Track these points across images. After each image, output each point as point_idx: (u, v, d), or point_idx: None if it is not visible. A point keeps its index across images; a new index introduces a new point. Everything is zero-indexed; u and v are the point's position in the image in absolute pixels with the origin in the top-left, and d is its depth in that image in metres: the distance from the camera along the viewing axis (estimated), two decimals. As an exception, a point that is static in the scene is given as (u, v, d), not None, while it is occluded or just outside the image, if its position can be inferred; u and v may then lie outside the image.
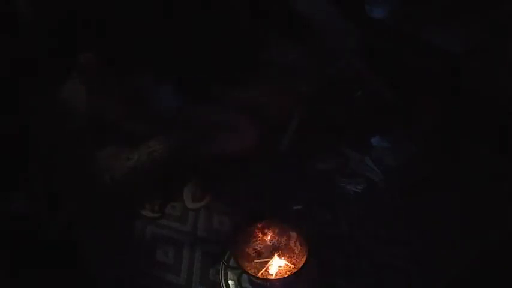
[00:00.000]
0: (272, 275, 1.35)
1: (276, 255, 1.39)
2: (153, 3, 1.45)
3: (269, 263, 1.38)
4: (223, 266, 1.40)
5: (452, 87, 1.79)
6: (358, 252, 1.52)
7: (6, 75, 1.29)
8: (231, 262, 1.38)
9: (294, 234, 1.39)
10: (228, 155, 1.60)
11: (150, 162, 1.46)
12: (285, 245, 1.41)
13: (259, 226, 1.41)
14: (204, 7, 1.49)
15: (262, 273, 1.34)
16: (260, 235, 1.42)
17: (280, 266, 1.37)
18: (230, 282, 1.38)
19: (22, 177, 1.38)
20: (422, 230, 1.58)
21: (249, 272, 1.31)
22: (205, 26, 1.50)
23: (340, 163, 1.85)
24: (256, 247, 1.41)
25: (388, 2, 1.86)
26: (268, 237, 1.43)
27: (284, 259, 1.38)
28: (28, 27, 1.31)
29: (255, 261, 1.37)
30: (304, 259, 1.29)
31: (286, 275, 1.32)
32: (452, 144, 1.82)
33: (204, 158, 1.59)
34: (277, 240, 1.42)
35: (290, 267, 1.36)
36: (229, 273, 1.40)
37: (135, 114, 1.50)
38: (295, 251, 1.38)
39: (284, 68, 1.72)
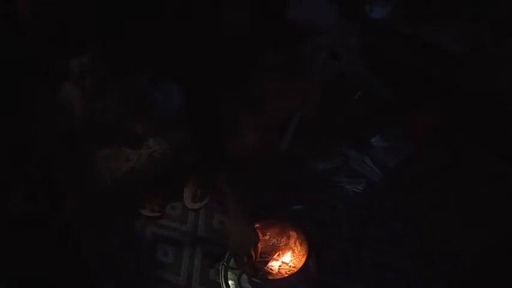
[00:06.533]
0: (272, 275, 1.35)
1: (276, 256, 1.39)
2: (154, 3, 1.44)
3: (269, 263, 1.38)
4: (223, 266, 1.40)
5: (452, 87, 1.79)
6: (358, 252, 1.52)
7: (6, 75, 1.29)
8: (231, 262, 1.38)
9: (294, 234, 1.39)
10: (229, 154, 1.60)
11: (150, 163, 1.46)
12: (285, 245, 1.41)
13: (259, 226, 1.41)
14: (206, 7, 1.48)
15: (262, 273, 1.34)
16: (260, 235, 1.42)
17: (280, 266, 1.37)
18: (230, 282, 1.38)
19: (22, 177, 1.38)
20: (422, 230, 1.58)
21: (249, 272, 1.31)
22: (206, 26, 1.50)
23: (340, 163, 1.85)
24: (256, 247, 1.41)
25: (388, 2, 1.86)
26: (268, 237, 1.43)
27: (284, 259, 1.38)
28: (28, 27, 1.31)
29: (255, 261, 1.38)
30: (304, 259, 1.29)
31: (286, 275, 1.32)
32: (451, 144, 1.82)
33: (204, 158, 1.59)
34: (277, 240, 1.42)
35: (290, 267, 1.36)
36: (229, 273, 1.40)
37: (135, 114, 1.50)
38: (295, 251, 1.38)
39: (284, 69, 1.72)
